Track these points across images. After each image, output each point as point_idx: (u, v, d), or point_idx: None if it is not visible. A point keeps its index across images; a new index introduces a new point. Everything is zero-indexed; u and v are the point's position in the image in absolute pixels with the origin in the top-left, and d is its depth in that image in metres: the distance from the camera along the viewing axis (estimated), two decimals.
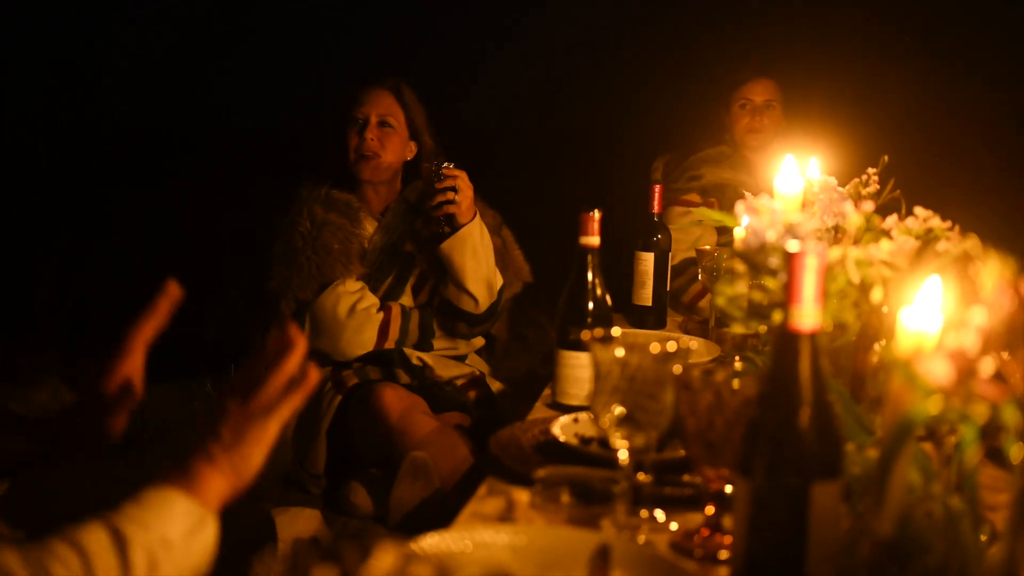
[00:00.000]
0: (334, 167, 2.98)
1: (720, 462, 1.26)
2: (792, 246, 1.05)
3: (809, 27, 4.16)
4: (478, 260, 2.78)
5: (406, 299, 2.92)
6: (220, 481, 1.11)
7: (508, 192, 3.48)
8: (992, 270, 0.77)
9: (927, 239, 1.61)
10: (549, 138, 4.57)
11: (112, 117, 5.14)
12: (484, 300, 2.82)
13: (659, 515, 1.38)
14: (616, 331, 1.30)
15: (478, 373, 2.90)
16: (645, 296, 2.90)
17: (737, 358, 1.97)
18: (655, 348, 1.26)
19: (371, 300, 2.81)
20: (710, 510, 1.30)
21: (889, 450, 0.88)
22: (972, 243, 0.76)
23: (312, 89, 4.50)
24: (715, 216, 1.32)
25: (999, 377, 0.76)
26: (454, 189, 2.72)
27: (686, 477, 1.48)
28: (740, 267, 1.21)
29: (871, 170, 1.94)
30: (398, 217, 2.98)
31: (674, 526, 1.37)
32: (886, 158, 1.96)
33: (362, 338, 2.75)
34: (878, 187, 1.95)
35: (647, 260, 2.89)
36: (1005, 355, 0.75)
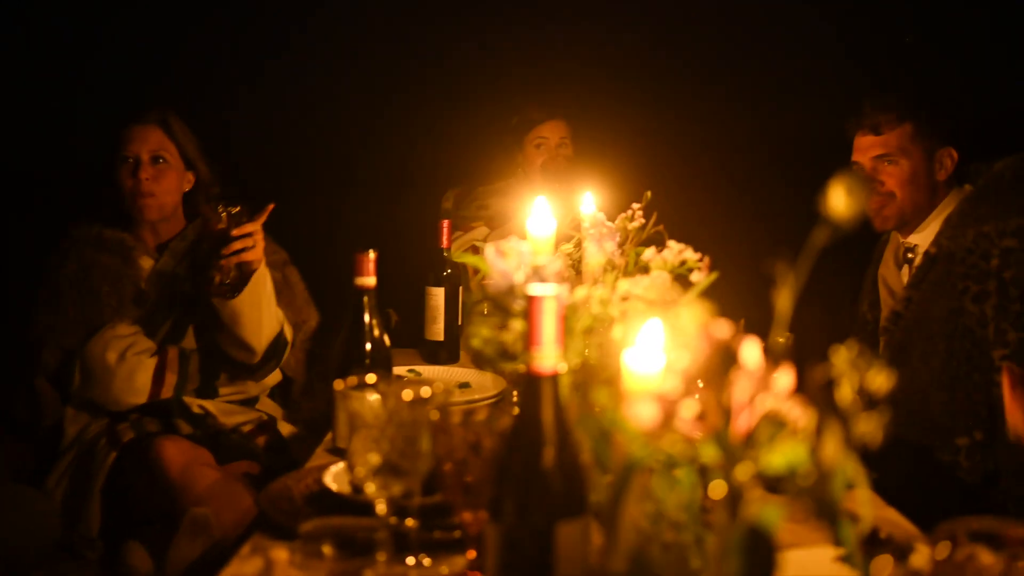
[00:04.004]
0: (106, 205, 2.82)
1: (479, 505, 1.25)
2: (531, 289, 1.07)
3: (594, 67, 4.35)
4: (259, 310, 2.66)
5: (188, 342, 2.78)
6: None
7: (295, 227, 3.40)
8: (691, 313, 0.80)
9: (679, 271, 1.70)
10: (341, 171, 4.51)
11: None
12: (261, 349, 2.71)
13: (426, 561, 1.36)
14: (370, 378, 1.28)
15: (266, 418, 2.80)
16: (437, 331, 2.91)
17: (515, 392, 1.99)
18: (408, 394, 1.24)
19: (145, 344, 2.65)
20: (472, 554, 1.29)
21: (617, 490, 0.90)
22: (673, 288, 0.79)
23: (72, 126, 4.21)
24: (469, 260, 1.33)
25: (704, 417, 0.79)
26: (251, 235, 2.55)
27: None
28: (486, 310, 1.22)
29: (635, 205, 2.02)
30: (179, 254, 2.84)
31: (444, 571, 1.36)
32: (649, 194, 2.04)
33: (135, 385, 2.59)
34: (643, 221, 2.03)
35: (438, 295, 2.90)
36: (706, 396, 0.78)
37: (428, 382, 1.30)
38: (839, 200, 0.84)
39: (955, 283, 2.54)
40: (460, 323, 2.92)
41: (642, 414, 0.79)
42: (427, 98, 4.49)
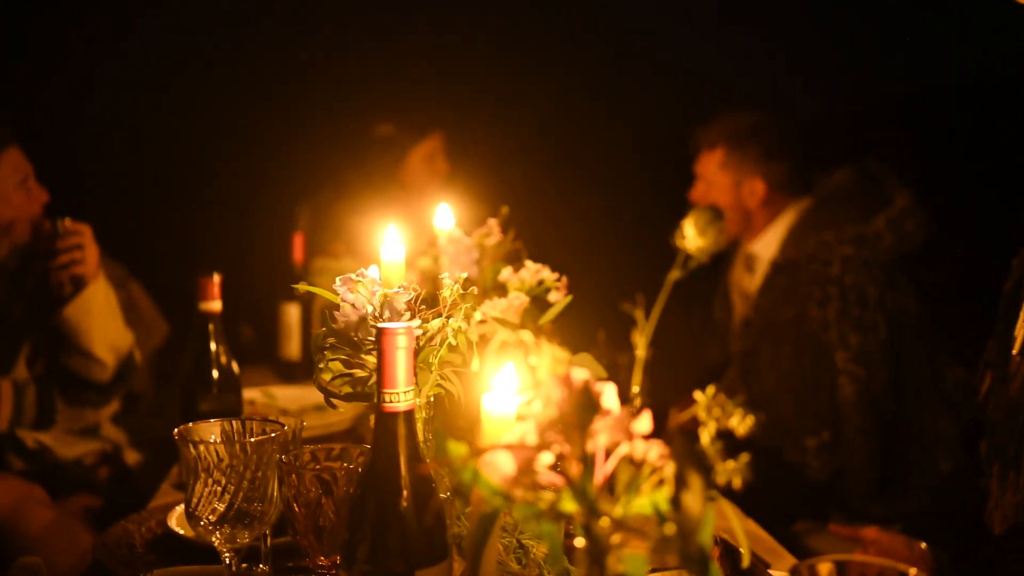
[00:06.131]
0: None
1: (333, 550, 1.19)
2: (381, 326, 1.01)
3: (451, 79, 4.30)
4: (105, 321, 2.53)
5: (19, 372, 2.57)
6: None
7: (139, 241, 3.21)
8: (545, 359, 0.77)
9: (538, 291, 1.67)
10: (187, 182, 4.29)
11: None
12: (113, 364, 2.56)
13: None
14: (208, 425, 1.19)
15: (110, 448, 2.63)
16: (292, 349, 2.81)
17: (372, 417, 1.92)
18: (254, 434, 1.17)
19: None
20: None
21: (475, 544, 0.86)
22: (527, 334, 0.76)
23: None
24: (317, 291, 1.26)
25: (559, 466, 0.76)
26: (80, 247, 2.44)
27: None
28: (331, 342, 1.15)
29: (492, 221, 1.98)
30: (4, 279, 2.63)
31: None
32: (506, 209, 2.02)
33: None
34: (501, 237, 2.00)
35: (292, 312, 2.80)
36: (563, 445, 0.75)
37: (279, 425, 1.22)
38: (692, 234, 0.83)
39: (799, 290, 2.63)
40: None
41: (499, 465, 0.75)
42: (276, 107, 4.34)
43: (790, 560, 1.65)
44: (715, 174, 2.81)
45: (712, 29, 4.69)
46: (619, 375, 2.03)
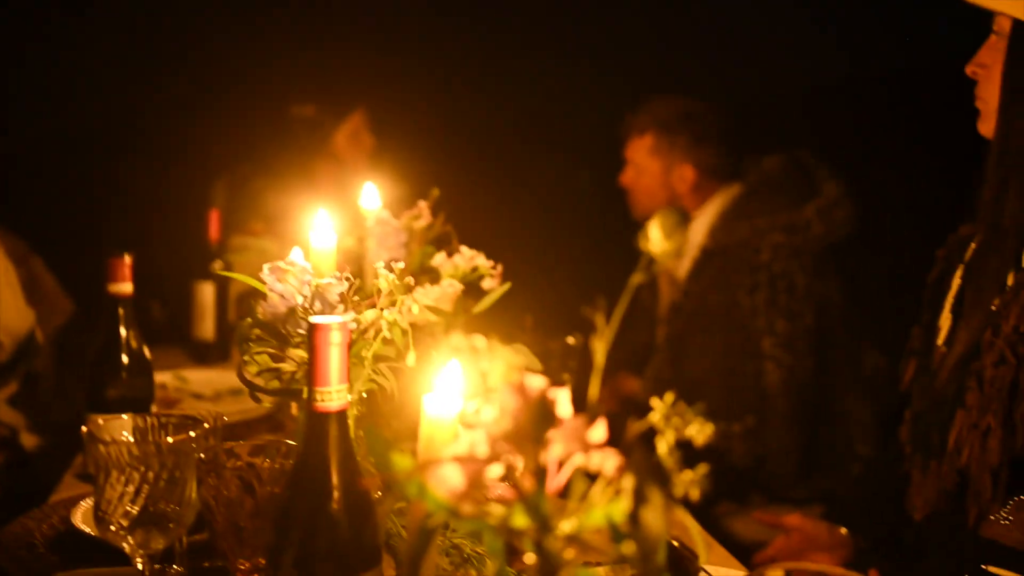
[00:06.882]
0: None
1: (255, 552, 1.12)
2: (313, 320, 0.94)
3: (398, 53, 4.16)
4: (3, 299, 2.37)
5: None
6: None
7: (44, 215, 3.04)
8: (498, 366, 0.72)
9: (472, 278, 1.62)
10: (95, 154, 4.07)
11: None
12: (11, 345, 2.41)
13: None
14: (121, 421, 1.11)
15: (7, 432, 2.48)
16: (206, 329, 2.70)
17: (294, 404, 1.84)
18: (171, 433, 1.09)
19: None
20: None
21: (414, 555, 0.81)
22: (480, 339, 0.71)
23: None
24: (242, 279, 1.18)
25: (511, 479, 0.71)
26: None
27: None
28: (259, 335, 1.08)
29: (422, 203, 1.92)
30: None
31: None
32: (436, 191, 1.95)
33: None
34: (431, 220, 1.93)
35: (206, 291, 2.68)
36: (515, 456, 0.70)
37: (198, 422, 1.14)
38: (658, 237, 0.78)
39: (729, 277, 2.64)
40: (231, 319, 2.72)
41: (447, 479, 0.70)
42: (192, 76, 4.14)
43: (720, 551, 1.64)
44: (645, 159, 2.80)
45: (656, 15, 4.66)
46: (551, 362, 1.99)
